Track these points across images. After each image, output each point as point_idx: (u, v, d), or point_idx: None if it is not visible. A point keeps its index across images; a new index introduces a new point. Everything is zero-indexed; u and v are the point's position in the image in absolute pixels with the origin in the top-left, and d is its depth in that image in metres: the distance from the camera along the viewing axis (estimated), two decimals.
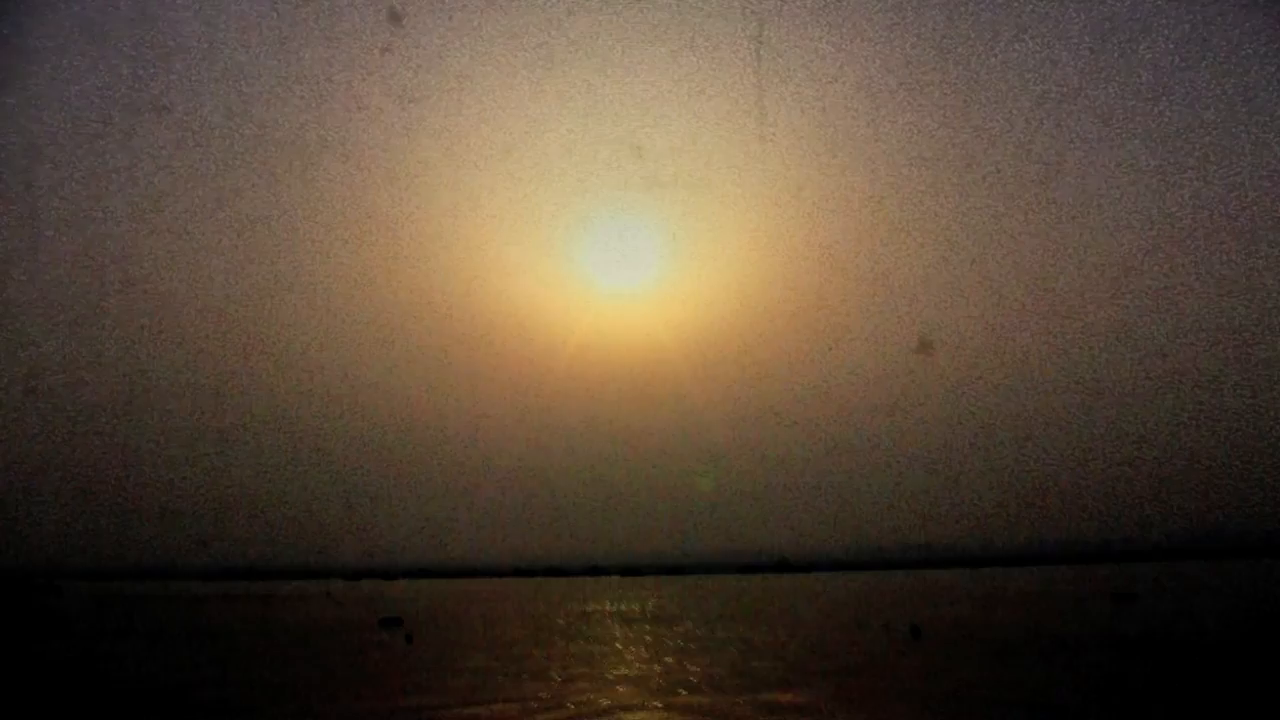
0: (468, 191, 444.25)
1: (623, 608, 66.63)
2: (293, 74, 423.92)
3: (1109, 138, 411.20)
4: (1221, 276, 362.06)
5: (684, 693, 21.92)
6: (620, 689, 22.69)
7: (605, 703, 20.52)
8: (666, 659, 29.48)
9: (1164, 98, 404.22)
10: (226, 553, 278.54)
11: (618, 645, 34.68)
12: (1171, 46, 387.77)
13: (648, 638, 38.42)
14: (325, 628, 49.59)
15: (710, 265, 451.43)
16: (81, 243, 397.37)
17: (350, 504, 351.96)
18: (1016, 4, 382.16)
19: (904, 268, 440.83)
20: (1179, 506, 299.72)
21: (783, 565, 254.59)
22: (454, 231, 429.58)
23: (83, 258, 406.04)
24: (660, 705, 20.17)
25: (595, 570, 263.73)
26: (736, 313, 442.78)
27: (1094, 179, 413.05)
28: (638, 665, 27.84)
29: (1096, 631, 36.53)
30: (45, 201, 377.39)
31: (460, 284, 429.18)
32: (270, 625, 52.81)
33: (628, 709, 19.75)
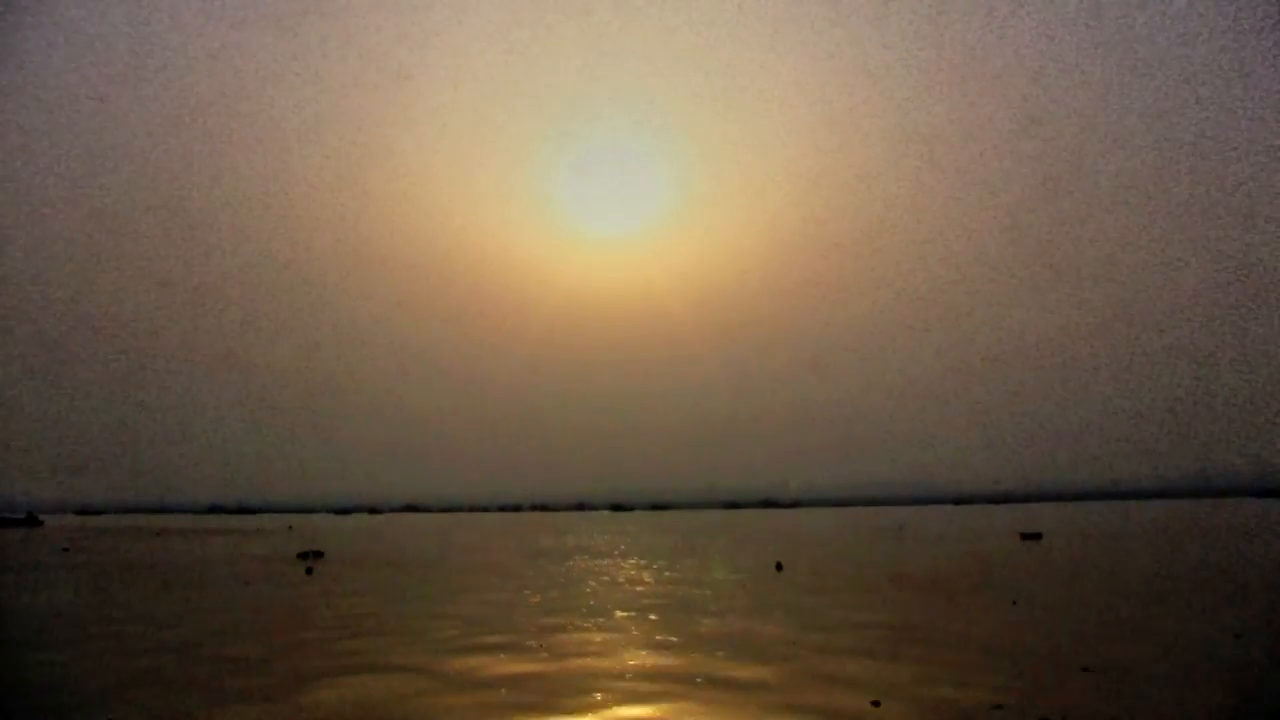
0: (463, 168, 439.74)
1: (550, 543, 69.06)
2: (288, 51, 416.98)
3: (1105, 113, 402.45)
4: (1218, 251, 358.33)
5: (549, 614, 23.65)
6: (483, 617, 23.54)
7: (452, 632, 20.77)
8: (527, 591, 31.70)
9: (1160, 73, 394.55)
10: (219, 492, 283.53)
11: (493, 579, 36.18)
12: (1168, 23, 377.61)
13: (530, 571, 40.64)
14: (256, 559, 52.07)
15: (706, 240, 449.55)
16: (78, 219, 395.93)
17: (344, 448, 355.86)
18: None
19: (899, 243, 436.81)
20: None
21: (768, 503, 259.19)
22: (449, 207, 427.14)
23: (80, 234, 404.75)
24: (518, 631, 20.78)
25: (581, 506, 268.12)
26: (733, 286, 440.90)
27: (1090, 154, 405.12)
28: (512, 594, 30.10)
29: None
30: (43, 180, 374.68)
31: (458, 251, 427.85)
32: (200, 556, 55.33)
33: (481, 643, 19.35)
